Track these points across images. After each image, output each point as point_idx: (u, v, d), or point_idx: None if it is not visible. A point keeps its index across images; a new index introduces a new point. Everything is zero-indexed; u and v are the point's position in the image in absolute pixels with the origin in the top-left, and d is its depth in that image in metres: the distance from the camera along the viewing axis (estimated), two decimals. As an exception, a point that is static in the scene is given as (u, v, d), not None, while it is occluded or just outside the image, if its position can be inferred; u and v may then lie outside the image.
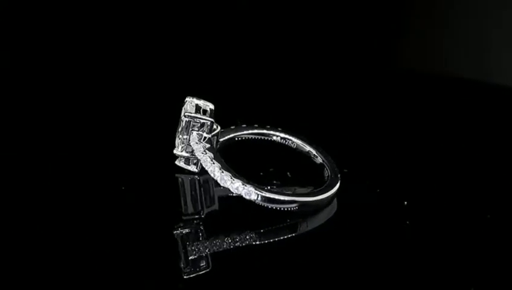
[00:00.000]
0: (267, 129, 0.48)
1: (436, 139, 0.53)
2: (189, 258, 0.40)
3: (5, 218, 0.43)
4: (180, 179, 0.46)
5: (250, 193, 0.42)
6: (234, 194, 0.43)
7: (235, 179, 0.42)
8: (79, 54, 0.64)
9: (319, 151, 0.47)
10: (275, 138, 0.48)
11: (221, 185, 0.43)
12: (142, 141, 0.50)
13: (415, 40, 0.69)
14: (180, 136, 0.45)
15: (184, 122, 0.44)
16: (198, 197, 0.45)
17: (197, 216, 0.43)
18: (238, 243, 0.41)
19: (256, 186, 0.42)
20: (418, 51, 0.68)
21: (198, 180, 0.45)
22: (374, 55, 0.67)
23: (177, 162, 0.46)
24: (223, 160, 0.43)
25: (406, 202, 0.45)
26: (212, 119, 0.44)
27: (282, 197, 0.42)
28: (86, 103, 0.57)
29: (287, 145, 0.48)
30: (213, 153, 0.43)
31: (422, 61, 0.67)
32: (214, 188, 0.45)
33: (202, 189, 0.45)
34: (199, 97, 0.45)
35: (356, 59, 0.66)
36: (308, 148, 0.48)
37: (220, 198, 0.44)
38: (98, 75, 0.61)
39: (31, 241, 0.41)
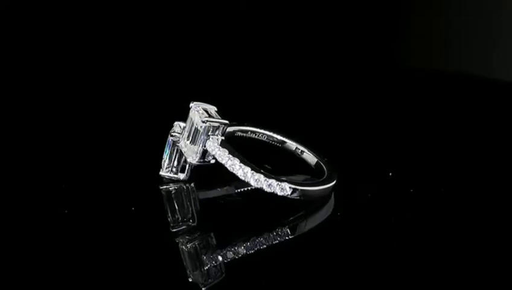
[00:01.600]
0: (246, 126, 0.48)
1: (437, 137, 0.54)
2: (205, 268, 0.39)
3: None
4: (167, 191, 0.45)
5: (285, 189, 0.42)
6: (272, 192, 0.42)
7: (269, 179, 0.42)
8: (68, 54, 0.64)
9: (301, 145, 0.48)
10: (261, 136, 0.48)
11: (255, 186, 0.42)
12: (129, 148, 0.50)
13: (415, 37, 0.69)
14: (192, 145, 0.44)
15: (203, 128, 0.43)
16: (189, 205, 0.44)
17: (191, 223, 0.43)
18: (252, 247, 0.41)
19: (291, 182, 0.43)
20: (418, 49, 0.68)
21: (185, 188, 0.45)
22: (374, 53, 0.68)
23: (162, 173, 0.45)
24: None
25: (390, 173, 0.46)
26: (227, 121, 0.44)
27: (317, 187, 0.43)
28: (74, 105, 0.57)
29: (259, 139, 0.48)
30: (239, 158, 0.43)
31: (422, 59, 0.68)
32: (196, 193, 0.45)
33: (191, 196, 0.45)
34: (191, 99, 0.45)
35: (356, 58, 0.67)
36: (290, 142, 0.48)
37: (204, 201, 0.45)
38: (94, 75, 0.62)
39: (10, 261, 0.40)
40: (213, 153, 0.43)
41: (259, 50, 0.67)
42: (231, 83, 0.62)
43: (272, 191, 0.42)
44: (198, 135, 0.44)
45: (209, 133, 0.43)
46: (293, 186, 0.42)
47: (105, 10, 0.69)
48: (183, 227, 0.43)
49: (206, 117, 0.43)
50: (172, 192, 0.45)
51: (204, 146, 0.44)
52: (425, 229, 0.43)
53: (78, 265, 0.39)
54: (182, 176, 0.46)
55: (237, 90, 0.61)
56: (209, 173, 0.45)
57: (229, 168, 0.43)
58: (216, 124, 0.43)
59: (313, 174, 0.46)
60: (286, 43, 0.68)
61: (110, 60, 0.66)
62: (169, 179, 0.46)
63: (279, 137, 0.48)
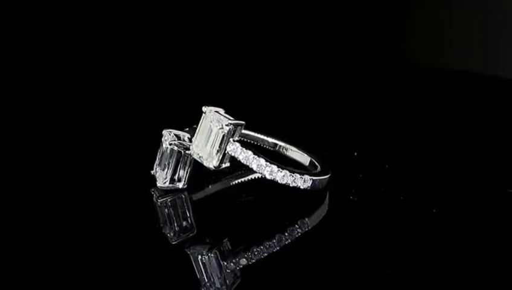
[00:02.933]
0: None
1: (437, 135, 0.53)
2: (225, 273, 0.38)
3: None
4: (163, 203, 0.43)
5: (307, 180, 0.43)
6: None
7: (295, 174, 0.42)
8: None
9: (285, 143, 0.47)
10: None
11: (281, 182, 0.42)
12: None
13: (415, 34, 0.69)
14: (212, 149, 0.42)
15: (227, 131, 0.42)
16: (188, 214, 0.43)
17: (190, 234, 0.41)
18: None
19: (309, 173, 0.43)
20: (418, 46, 0.68)
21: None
22: (374, 50, 0.68)
23: (160, 184, 0.43)
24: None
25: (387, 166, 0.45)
26: (243, 122, 0.43)
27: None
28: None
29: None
30: (263, 157, 0.42)
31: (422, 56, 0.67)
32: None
33: (186, 205, 0.43)
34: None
35: (356, 55, 0.67)
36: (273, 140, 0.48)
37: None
38: (89, 76, 0.61)
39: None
40: (236, 155, 0.42)
41: (259, 48, 0.67)
42: (229, 83, 0.62)
43: (296, 185, 0.43)
44: (218, 139, 0.42)
45: (231, 137, 0.42)
46: (314, 177, 0.43)
47: (102, 10, 0.68)
48: (184, 238, 0.41)
49: (228, 119, 0.42)
50: (170, 203, 0.43)
51: (225, 149, 0.42)
52: (425, 229, 0.42)
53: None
54: (180, 184, 0.44)
55: (236, 89, 0.60)
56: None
57: (256, 169, 0.42)
58: (238, 126, 0.42)
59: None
60: (285, 41, 0.67)
61: (103, 61, 0.65)
62: (168, 189, 0.44)
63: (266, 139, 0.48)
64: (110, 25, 0.67)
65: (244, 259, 0.39)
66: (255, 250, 0.40)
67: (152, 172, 0.44)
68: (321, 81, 0.62)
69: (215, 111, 0.42)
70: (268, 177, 0.42)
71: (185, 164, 0.43)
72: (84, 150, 0.50)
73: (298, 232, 0.42)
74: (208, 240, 0.40)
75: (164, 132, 0.43)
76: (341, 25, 0.68)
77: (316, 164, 0.46)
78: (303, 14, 0.68)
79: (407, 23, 0.69)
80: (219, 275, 0.38)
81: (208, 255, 0.39)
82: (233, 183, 0.44)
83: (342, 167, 0.46)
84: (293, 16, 0.69)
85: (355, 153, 0.46)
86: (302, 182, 0.43)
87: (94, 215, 0.42)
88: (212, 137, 0.42)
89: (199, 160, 0.42)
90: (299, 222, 0.42)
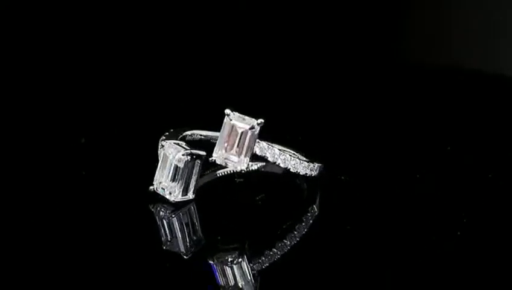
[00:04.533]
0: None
1: (437, 134, 0.53)
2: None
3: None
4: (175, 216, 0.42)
5: (314, 168, 0.43)
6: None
7: (305, 162, 0.43)
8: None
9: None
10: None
11: (293, 171, 0.43)
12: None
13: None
14: (242, 150, 0.41)
15: (258, 131, 0.41)
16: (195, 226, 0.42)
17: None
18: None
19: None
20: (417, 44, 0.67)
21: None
22: (372, 48, 0.67)
23: (172, 198, 0.42)
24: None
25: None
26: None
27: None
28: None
29: None
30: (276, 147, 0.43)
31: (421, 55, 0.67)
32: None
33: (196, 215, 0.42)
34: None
35: (355, 53, 0.66)
36: None
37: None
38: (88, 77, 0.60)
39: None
40: (265, 153, 0.42)
41: (259, 47, 0.66)
42: (228, 83, 0.61)
43: (305, 173, 0.43)
44: (246, 140, 0.42)
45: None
46: (318, 164, 0.44)
47: (99, 9, 0.67)
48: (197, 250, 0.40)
49: (256, 120, 0.42)
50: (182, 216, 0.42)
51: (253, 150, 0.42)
52: (424, 229, 0.42)
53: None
54: (191, 194, 0.42)
55: (235, 89, 0.59)
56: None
57: (281, 164, 0.42)
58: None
59: None
60: (285, 39, 0.67)
61: (103, 61, 0.64)
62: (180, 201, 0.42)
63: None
64: (110, 25, 0.67)
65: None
66: (278, 245, 0.40)
67: (152, 188, 0.42)
68: (321, 80, 0.62)
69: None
70: (282, 165, 0.42)
71: (196, 172, 0.42)
72: (84, 153, 0.49)
73: (310, 219, 0.42)
74: (225, 247, 0.40)
75: (165, 143, 0.42)
76: (341, 25, 0.68)
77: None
78: (303, 14, 0.68)
79: (408, 21, 0.69)
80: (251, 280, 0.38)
81: (234, 261, 0.39)
82: (219, 174, 0.43)
83: (341, 166, 0.46)
84: (292, 15, 0.68)
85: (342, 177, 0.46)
86: (309, 170, 0.43)
87: (99, 233, 0.41)
88: (240, 141, 0.42)
89: (230, 165, 0.42)
90: (309, 209, 0.42)
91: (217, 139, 0.43)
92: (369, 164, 0.48)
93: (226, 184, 0.44)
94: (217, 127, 0.43)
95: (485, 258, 0.39)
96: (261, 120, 0.42)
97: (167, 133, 0.44)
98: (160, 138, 0.44)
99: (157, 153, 0.43)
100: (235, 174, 0.43)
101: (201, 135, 0.46)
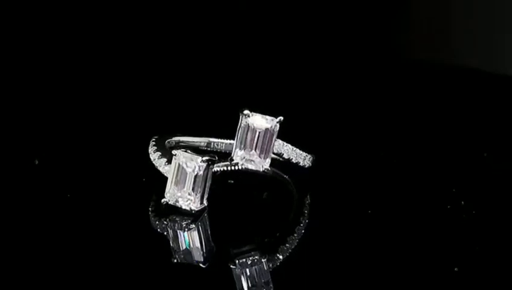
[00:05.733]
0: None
1: (437, 133, 0.53)
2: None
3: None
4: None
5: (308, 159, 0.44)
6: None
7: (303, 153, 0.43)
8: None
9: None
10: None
11: (294, 161, 0.43)
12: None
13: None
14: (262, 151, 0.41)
15: (278, 129, 0.41)
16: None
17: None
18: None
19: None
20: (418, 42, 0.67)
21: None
22: (371, 45, 0.67)
23: (193, 207, 0.41)
24: None
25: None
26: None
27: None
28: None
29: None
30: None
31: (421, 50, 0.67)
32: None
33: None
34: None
35: (356, 54, 0.65)
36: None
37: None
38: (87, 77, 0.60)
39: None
40: (286, 151, 0.42)
41: (258, 45, 0.66)
42: (228, 82, 0.61)
43: (303, 164, 0.44)
44: (267, 140, 0.41)
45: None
46: (310, 155, 0.44)
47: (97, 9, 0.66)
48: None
49: (274, 118, 0.41)
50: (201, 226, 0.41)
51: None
52: (425, 229, 0.42)
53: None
54: (205, 202, 0.41)
55: (235, 89, 0.59)
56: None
57: (294, 160, 0.43)
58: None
59: None
60: (286, 35, 0.66)
61: (103, 61, 0.63)
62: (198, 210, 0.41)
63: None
64: (109, 25, 0.66)
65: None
66: (289, 239, 0.40)
67: (164, 200, 0.41)
68: (321, 79, 0.62)
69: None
70: (285, 156, 0.42)
71: (209, 179, 0.41)
72: (83, 158, 0.48)
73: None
74: (241, 250, 0.39)
75: (177, 152, 0.41)
76: (340, 23, 0.68)
77: None
78: (303, 14, 0.68)
79: (408, 19, 0.69)
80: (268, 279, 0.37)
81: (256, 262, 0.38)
82: (216, 171, 0.42)
83: (340, 166, 0.47)
84: (292, 14, 0.68)
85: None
86: (307, 161, 0.44)
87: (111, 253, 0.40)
88: (261, 141, 0.41)
89: (252, 167, 0.41)
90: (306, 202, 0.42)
91: (199, 144, 0.43)
92: (368, 162, 0.48)
93: (218, 186, 0.43)
94: (210, 129, 0.42)
95: (485, 258, 0.39)
96: (280, 117, 0.41)
97: (154, 142, 0.43)
98: (148, 145, 0.43)
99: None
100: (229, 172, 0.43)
101: (184, 142, 0.45)
